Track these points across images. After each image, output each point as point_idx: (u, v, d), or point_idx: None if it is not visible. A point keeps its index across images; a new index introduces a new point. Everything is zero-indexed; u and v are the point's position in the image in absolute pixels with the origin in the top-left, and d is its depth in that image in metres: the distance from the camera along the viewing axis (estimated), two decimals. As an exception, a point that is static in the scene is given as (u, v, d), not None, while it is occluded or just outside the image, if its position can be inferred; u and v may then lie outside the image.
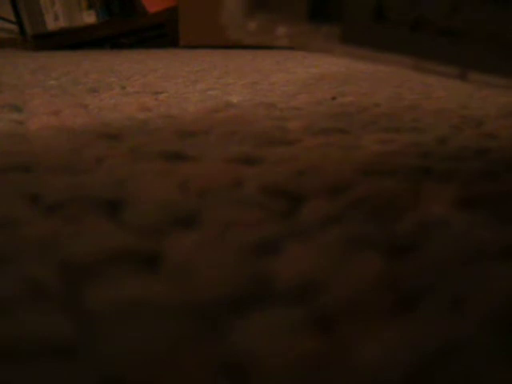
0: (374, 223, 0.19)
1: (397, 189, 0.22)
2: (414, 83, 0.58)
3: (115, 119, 0.38)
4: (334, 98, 0.48)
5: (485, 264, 0.16)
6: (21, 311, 0.13)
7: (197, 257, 0.16)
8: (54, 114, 0.41)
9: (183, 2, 1.48)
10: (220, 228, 0.18)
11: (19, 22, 1.58)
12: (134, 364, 0.11)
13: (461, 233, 0.18)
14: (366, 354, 0.12)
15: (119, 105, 0.45)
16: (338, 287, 0.14)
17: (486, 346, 0.12)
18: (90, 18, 1.55)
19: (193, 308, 0.13)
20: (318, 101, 0.47)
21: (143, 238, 0.18)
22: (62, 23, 1.55)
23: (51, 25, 1.55)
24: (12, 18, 1.63)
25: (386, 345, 0.12)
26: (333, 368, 0.11)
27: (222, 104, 0.45)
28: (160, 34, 1.60)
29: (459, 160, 0.27)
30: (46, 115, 0.40)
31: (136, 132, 0.33)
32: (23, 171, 0.25)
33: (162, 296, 0.14)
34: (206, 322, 0.13)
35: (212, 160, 0.27)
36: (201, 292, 0.14)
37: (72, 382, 0.11)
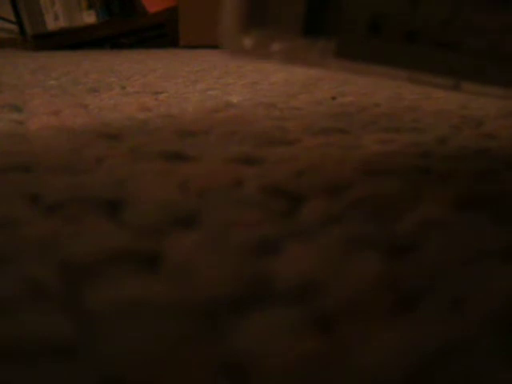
0: (374, 223, 0.19)
1: (397, 189, 0.22)
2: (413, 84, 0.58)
3: (115, 119, 0.38)
4: (333, 98, 0.48)
5: (485, 264, 0.16)
6: (21, 311, 0.13)
7: (197, 257, 0.16)
8: (54, 113, 0.41)
9: (183, 2, 1.48)
10: (220, 228, 0.18)
11: (19, 22, 1.58)
12: (134, 364, 0.11)
13: (461, 233, 0.18)
14: (366, 354, 0.12)
15: (119, 105, 0.45)
16: (338, 287, 0.14)
17: (486, 346, 0.12)
18: (90, 17, 1.55)
19: (193, 308, 0.13)
20: (318, 101, 0.47)
21: (143, 238, 0.18)
22: (62, 23, 1.55)
23: (51, 25, 1.55)
24: (12, 18, 1.63)
25: (386, 345, 0.12)
26: (333, 368, 0.11)
27: (222, 104, 0.45)
28: (160, 34, 1.60)
29: (459, 160, 0.27)
30: (46, 115, 0.40)
31: (136, 132, 0.33)
32: (23, 171, 0.25)
33: (162, 296, 0.14)
34: (206, 322, 0.13)
35: (212, 160, 0.27)
36: (201, 292, 0.14)
37: (72, 382, 0.11)
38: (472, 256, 0.16)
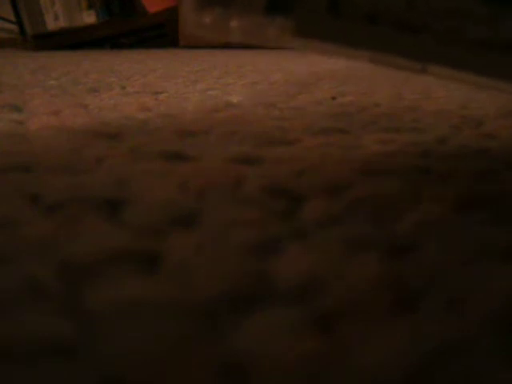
0: (374, 223, 0.19)
1: (397, 189, 0.22)
2: (413, 83, 0.58)
3: (115, 119, 0.38)
4: (333, 98, 0.48)
5: (485, 264, 0.16)
6: (21, 311, 0.13)
7: (197, 257, 0.16)
8: (54, 113, 0.41)
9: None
10: (220, 228, 0.18)
11: (19, 22, 1.58)
12: (134, 364, 0.11)
13: (461, 233, 0.18)
14: (366, 354, 0.12)
15: (119, 105, 0.45)
16: (338, 287, 0.14)
17: (486, 346, 0.12)
18: (90, 18, 1.55)
19: (193, 308, 0.13)
20: (318, 101, 0.47)
21: (143, 238, 0.18)
22: (62, 23, 1.55)
23: (51, 25, 1.55)
24: (12, 18, 1.63)
25: (386, 345, 0.12)
26: (333, 368, 0.11)
27: (221, 104, 0.45)
28: (160, 34, 1.60)
29: (459, 160, 0.27)
30: (46, 115, 0.40)
31: (136, 132, 0.33)
32: (23, 171, 0.25)
33: (162, 296, 0.14)
34: (206, 322, 0.13)
35: (212, 160, 0.27)
36: (201, 292, 0.14)
37: (72, 382, 0.11)
38: (472, 256, 0.16)
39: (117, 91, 0.55)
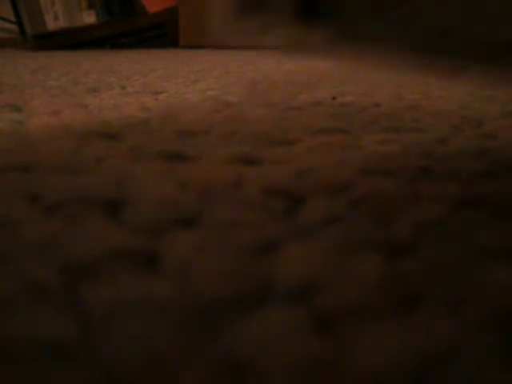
0: (374, 223, 0.19)
1: (397, 189, 0.22)
2: (414, 83, 0.58)
3: (115, 119, 0.38)
4: (334, 98, 0.48)
5: (485, 264, 0.16)
6: (21, 311, 0.13)
7: (197, 257, 0.16)
8: (54, 113, 0.41)
9: (183, 2, 1.48)
10: (220, 228, 0.18)
11: (19, 22, 1.58)
12: (134, 364, 0.11)
13: (461, 233, 0.18)
14: (366, 354, 0.12)
15: (119, 105, 0.45)
16: (338, 287, 0.14)
17: (486, 346, 0.12)
18: (90, 18, 1.55)
19: (193, 308, 0.13)
20: (318, 101, 0.47)
21: (143, 238, 0.18)
22: (62, 23, 1.55)
23: (51, 25, 1.55)
24: (12, 18, 1.63)
25: (386, 345, 0.12)
26: (333, 368, 0.11)
27: (221, 104, 0.45)
28: (160, 34, 1.60)
29: (459, 160, 0.27)
30: (45, 115, 0.40)
31: (136, 132, 0.33)
32: (23, 171, 0.25)
33: (162, 296, 0.14)
34: (206, 322, 0.13)
35: (212, 160, 0.27)
36: (201, 292, 0.14)
37: (72, 381, 0.11)
38: (472, 256, 0.16)
39: (117, 91, 0.55)
